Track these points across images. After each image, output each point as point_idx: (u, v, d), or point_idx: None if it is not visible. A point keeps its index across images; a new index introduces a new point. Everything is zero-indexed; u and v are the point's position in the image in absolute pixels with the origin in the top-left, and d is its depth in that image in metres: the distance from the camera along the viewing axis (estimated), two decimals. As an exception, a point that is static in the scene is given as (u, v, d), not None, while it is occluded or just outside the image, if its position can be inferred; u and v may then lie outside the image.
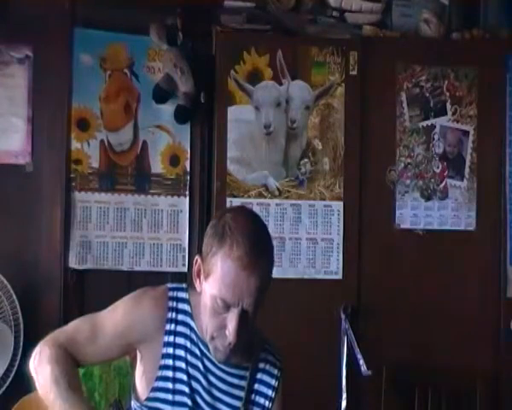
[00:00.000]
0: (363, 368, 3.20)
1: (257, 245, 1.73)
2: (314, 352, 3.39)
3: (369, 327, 3.46)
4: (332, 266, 3.51)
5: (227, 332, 1.74)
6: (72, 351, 1.81)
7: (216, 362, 1.84)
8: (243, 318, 1.73)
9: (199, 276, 1.81)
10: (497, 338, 3.57)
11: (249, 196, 3.46)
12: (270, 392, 1.90)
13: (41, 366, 1.78)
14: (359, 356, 3.23)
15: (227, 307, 1.73)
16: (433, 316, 3.53)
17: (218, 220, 1.79)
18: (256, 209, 3.42)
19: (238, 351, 1.79)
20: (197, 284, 1.83)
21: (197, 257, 1.82)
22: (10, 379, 3.03)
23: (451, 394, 3.43)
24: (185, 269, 3.44)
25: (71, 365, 1.80)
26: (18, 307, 3.08)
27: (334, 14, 3.63)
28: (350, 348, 3.33)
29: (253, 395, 1.89)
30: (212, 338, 1.77)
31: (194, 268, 1.82)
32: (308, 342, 3.40)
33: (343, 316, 3.41)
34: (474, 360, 3.47)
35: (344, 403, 3.34)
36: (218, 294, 1.72)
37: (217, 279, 1.73)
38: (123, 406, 2.73)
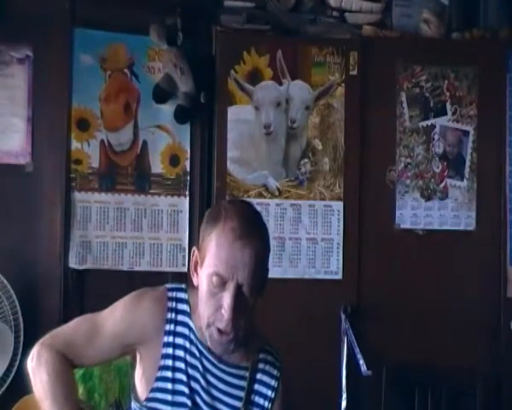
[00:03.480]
0: (363, 368, 3.20)
1: (250, 220, 1.77)
2: (314, 352, 3.39)
3: (369, 327, 3.46)
4: (332, 266, 3.51)
5: (223, 311, 1.73)
6: (70, 353, 1.81)
7: (215, 362, 1.84)
8: (239, 295, 1.73)
9: (196, 269, 1.82)
10: (497, 338, 3.57)
11: (249, 196, 3.46)
12: (269, 392, 1.90)
13: (38, 371, 1.79)
14: (359, 356, 3.24)
15: (223, 283, 1.73)
16: (433, 316, 3.53)
17: (213, 208, 1.88)
18: (256, 209, 3.42)
19: (235, 342, 1.77)
20: (194, 279, 1.83)
21: (194, 249, 1.84)
22: (10, 379, 3.03)
23: (451, 394, 3.43)
24: (185, 269, 3.44)
25: (68, 371, 1.81)
26: (18, 307, 3.08)
27: (334, 14, 3.63)
28: (350, 348, 3.33)
29: (252, 396, 1.88)
30: (209, 325, 1.76)
31: (192, 261, 1.84)
32: (308, 342, 3.40)
33: (343, 316, 3.41)
34: (474, 360, 3.47)
35: (344, 403, 3.35)
36: (214, 269, 1.73)
37: (211, 256, 1.74)
38: (123, 406, 2.74)
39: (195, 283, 1.83)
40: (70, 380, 1.82)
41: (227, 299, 1.73)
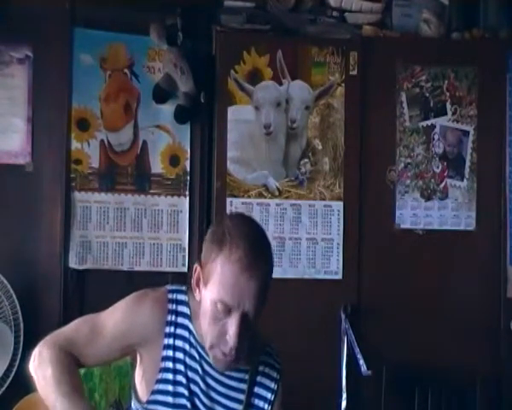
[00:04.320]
0: (363, 368, 3.20)
1: (256, 247, 1.74)
2: (314, 352, 3.39)
3: (369, 327, 3.46)
4: (332, 266, 3.51)
5: (227, 337, 1.73)
6: (71, 352, 1.80)
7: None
8: (244, 322, 1.72)
9: (198, 285, 1.81)
10: (497, 338, 3.57)
11: (249, 196, 3.46)
12: (269, 395, 1.90)
13: (41, 367, 1.77)
14: (359, 356, 3.24)
15: (228, 311, 1.72)
16: (433, 316, 3.53)
17: (216, 227, 1.81)
18: (256, 209, 3.43)
19: (239, 360, 1.78)
20: (196, 294, 1.82)
21: (196, 265, 1.82)
22: (10, 379, 3.03)
23: (451, 394, 3.44)
24: (185, 269, 3.44)
25: (72, 364, 1.79)
26: (18, 307, 3.08)
27: (334, 14, 3.63)
28: (350, 348, 3.33)
29: (252, 398, 1.88)
30: (212, 347, 1.76)
31: (194, 277, 1.82)
32: (308, 341, 3.40)
33: (343, 316, 3.41)
34: (474, 360, 3.47)
35: (344, 403, 3.35)
36: (218, 297, 1.72)
37: (217, 283, 1.73)
38: (123, 406, 2.74)
39: (197, 298, 1.81)
40: (74, 371, 1.80)
41: (232, 327, 1.72)
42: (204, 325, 1.78)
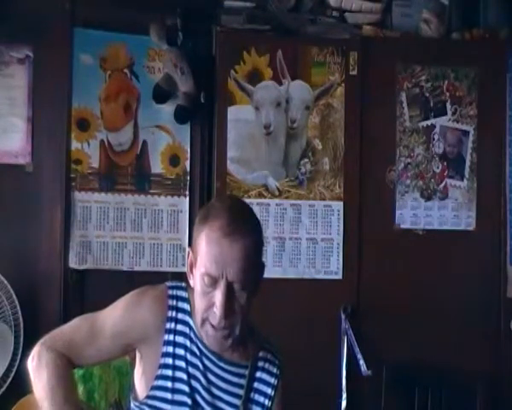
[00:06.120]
0: (363, 368, 3.20)
1: (239, 217, 1.77)
2: (314, 352, 3.39)
3: (369, 327, 3.46)
4: (332, 266, 3.51)
5: (215, 309, 1.74)
6: (70, 352, 1.81)
7: (215, 360, 1.84)
8: (230, 291, 1.73)
9: (192, 270, 1.82)
10: (497, 338, 3.57)
11: (249, 196, 3.46)
12: (269, 390, 1.90)
13: (38, 371, 1.79)
14: (359, 356, 3.23)
15: (214, 282, 1.74)
16: (433, 316, 3.52)
17: (203, 207, 1.90)
18: (256, 209, 3.42)
19: (231, 338, 1.78)
20: (191, 280, 1.84)
21: (188, 249, 1.85)
22: (10, 379, 3.03)
23: (451, 394, 3.43)
24: (185, 269, 3.40)
25: (68, 369, 1.81)
26: (18, 307, 3.08)
27: (334, 14, 3.63)
28: (350, 348, 3.33)
29: (252, 394, 1.89)
30: (203, 322, 1.77)
31: (187, 262, 1.85)
32: (308, 341, 3.40)
33: (343, 316, 3.41)
34: (474, 360, 3.47)
35: (344, 403, 3.35)
36: (205, 270, 1.74)
37: (202, 256, 1.75)
38: (123, 406, 2.73)
39: (192, 284, 1.83)
40: (70, 382, 1.82)
41: (218, 296, 1.73)
42: (196, 303, 1.79)
